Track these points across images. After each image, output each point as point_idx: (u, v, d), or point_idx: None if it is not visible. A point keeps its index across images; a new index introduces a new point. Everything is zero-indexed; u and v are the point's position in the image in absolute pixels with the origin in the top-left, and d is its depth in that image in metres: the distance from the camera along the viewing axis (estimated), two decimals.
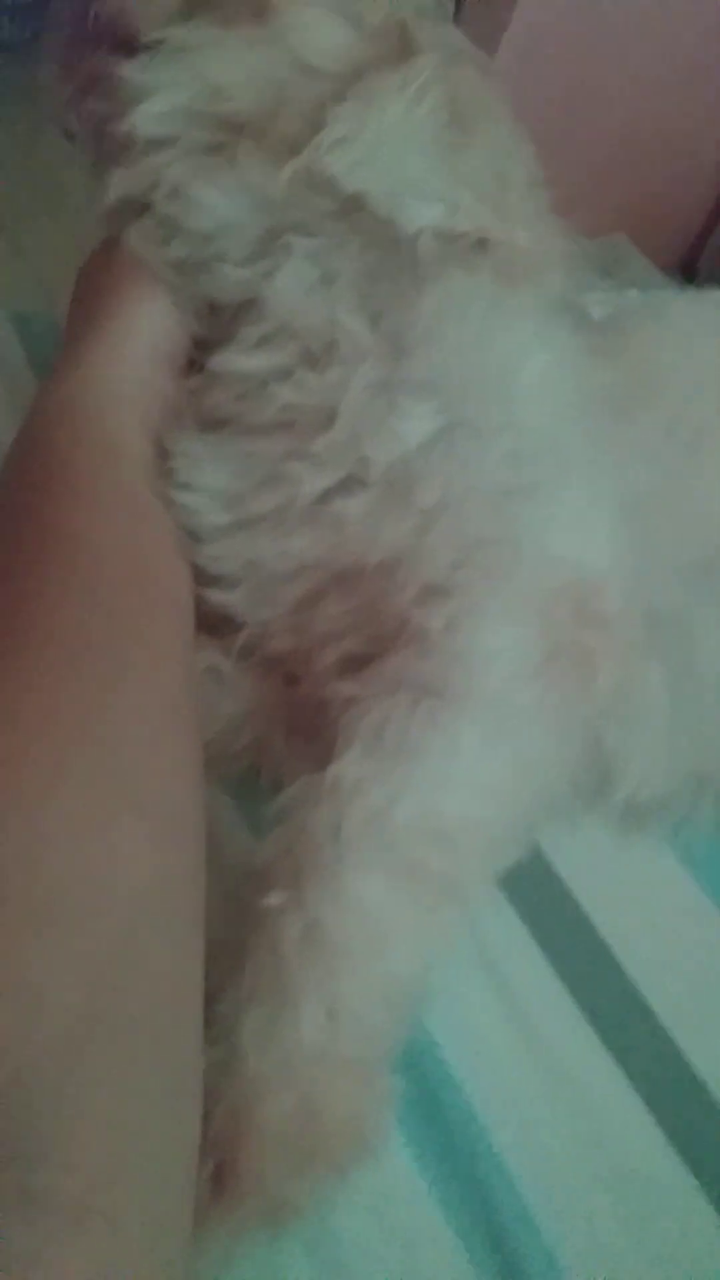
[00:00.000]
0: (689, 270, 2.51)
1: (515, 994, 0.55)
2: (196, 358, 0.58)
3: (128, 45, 0.57)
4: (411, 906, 0.46)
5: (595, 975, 0.56)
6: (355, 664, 0.51)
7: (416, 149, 0.54)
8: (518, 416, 0.53)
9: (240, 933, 0.46)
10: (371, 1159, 0.44)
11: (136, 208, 0.58)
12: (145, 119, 0.55)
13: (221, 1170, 0.41)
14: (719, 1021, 0.56)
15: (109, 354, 0.55)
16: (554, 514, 0.52)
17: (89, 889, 0.38)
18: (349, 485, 0.51)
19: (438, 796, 0.47)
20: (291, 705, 0.54)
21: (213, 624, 0.55)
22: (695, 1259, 0.48)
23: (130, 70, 0.55)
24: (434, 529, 0.50)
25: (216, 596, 0.54)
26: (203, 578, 0.54)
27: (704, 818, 0.62)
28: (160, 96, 0.54)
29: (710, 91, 2.26)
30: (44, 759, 0.40)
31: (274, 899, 0.45)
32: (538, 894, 0.59)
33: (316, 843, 0.45)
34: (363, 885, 0.45)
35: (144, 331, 0.57)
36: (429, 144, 0.54)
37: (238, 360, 0.55)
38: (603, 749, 0.57)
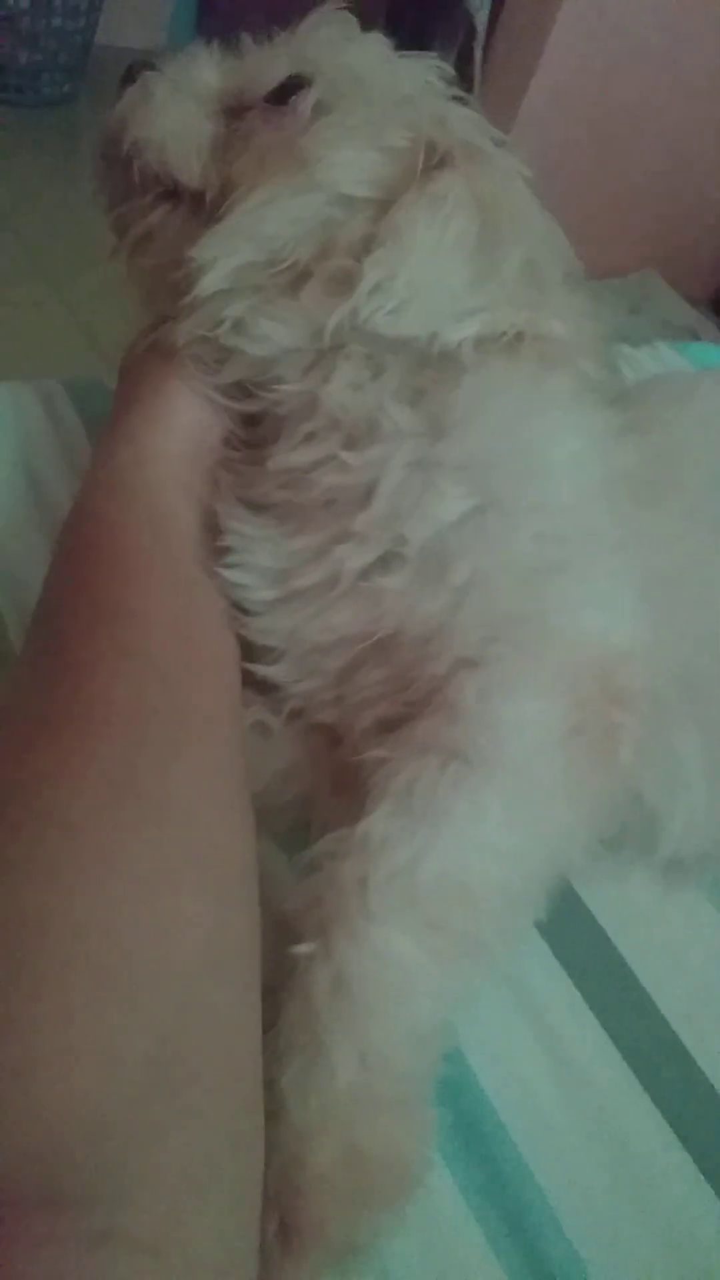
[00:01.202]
0: (718, 303, 2.53)
1: (558, 1039, 0.57)
2: (237, 432, 0.61)
3: (172, 192, 0.61)
4: (433, 958, 0.48)
5: (635, 1020, 0.58)
6: (390, 727, 0.54)
7: (450, 276, 0.56)
8: (548, 498, 0.56)
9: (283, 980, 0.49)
10: (419, 1191, 0.47)
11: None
12: (209, 284, 0.57)
13: (286, 1225, 0.43)
14: None
15: (156, 431, 0.59)
16: (581, 592, 0.55)
17: (156, 948, 0.41)
18: (388, 561, 0.54)
19: (461, 857, 0.49)
20: (334, 763, 0.56)
21: (262, 682, 0.58)
22: None
23: (194, 252, 0.57)
24: (466, 604, 0.53)
25: (263, 669, 0.57)
26: (251, 650, 0.57)
27: None
28: (221, 263, 0.57)
29: None
30: (109, 826, 0.43)
31: (304, 948, 0.47)
32: (580, 943, 0.61)
33: (344, 895, 0.48)
34: (387, 937, 0.47)
35: (188, 410, 0.60)
36: (461, 266, 0.57)
37: (288, 458, 0.57)
38: (645, 808, 0.60)
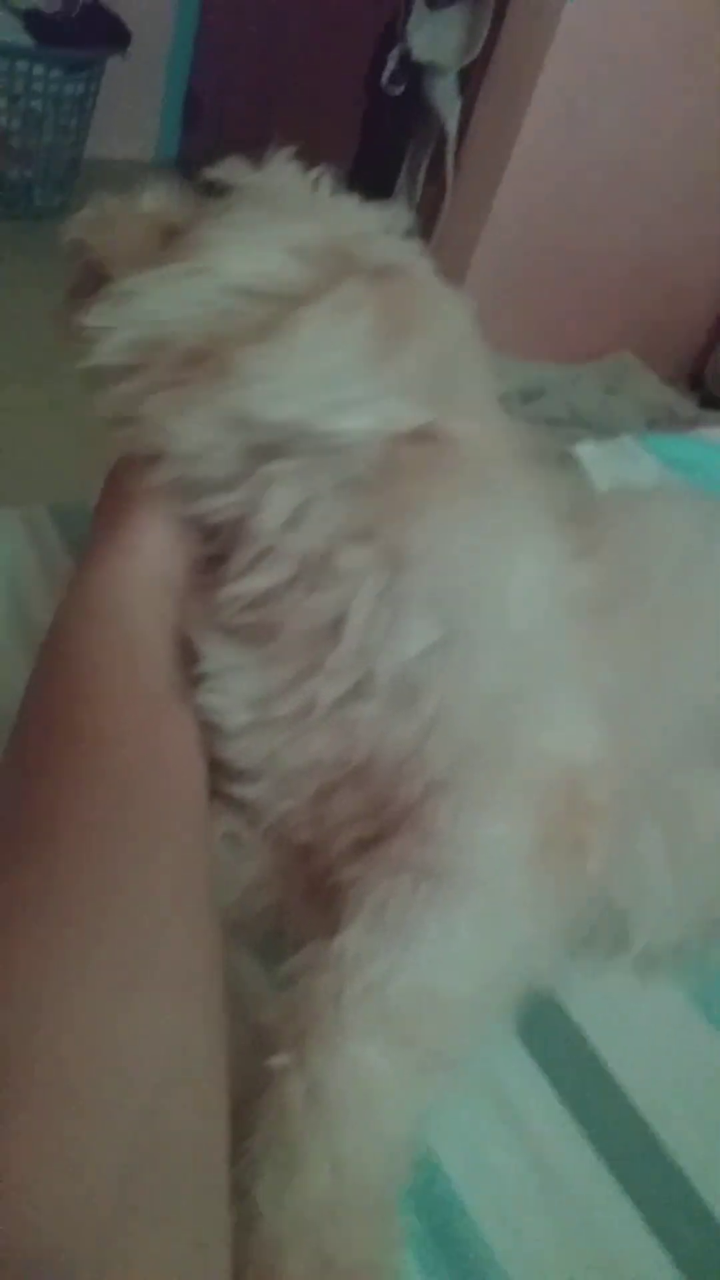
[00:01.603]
0: (695, 382, 2.58)
1: (536, 1142, 0.57)
2: (204, 554, 0.63)
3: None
4: (403, 1071, 0.50)
5: (612, 1119, 0.59)
6: (366, 846, 0.55)
7: (339, 366, 0.58)
8: (508, 626, 0.58)
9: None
10: None
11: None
12: (104, 354, 0.59)
13: None
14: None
15: (126, 555, 0.61)
16: (543, 715, 0.57)
17: (118, 1063, 0.42)
18: (359, 692, 0.56)
19: (432, 974, 0.51)
20: (306, 874, 0.58)
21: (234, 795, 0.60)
22: None
23: (86, 319, 0.60)
24: (435, 732, 0.55)
25: (240, 790, 0.59)
26: (228, 771, 0.59)
27: (715, 959, 0.65)
28: (112, 335, 0.59)
29: (704, 217, 2.35)
30: (78, 944, 0.44)
31: (279, 1060, 0.49)
32: (555, 1041, 0.62)
33: (319, 1009, 0.49)
34: (360, 1051, 0.49)
35: (159, 533, 0.62)
36: (354, 358, 0.58)
37: (235, 585, 0.59)
38: (614, 910, 0.62)
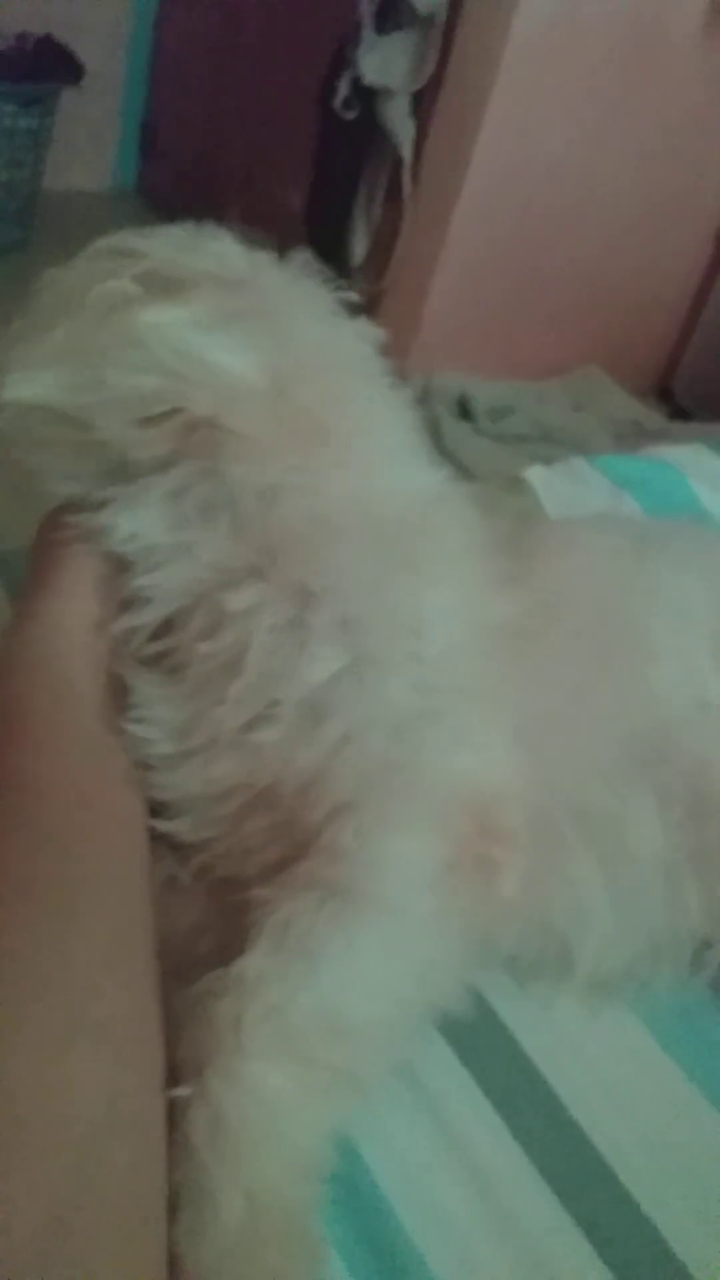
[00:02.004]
0: (663, 394, 2.59)
1: (483, 1172, 0.57)
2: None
3: None
4: (308, 1093, 0.50)
5: (561, 1148, 0.59)
6: (277, 870, 0.56)
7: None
8: (419, 650, 0.59)
9: None
10: None
11: None
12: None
13: None
14: (677, 1177, 0.59)
15: (56, 602, 0.61)
16: (451, 738, 0.58)
17: (50, 1114, 0.43)
18: (265, 717, 0.57)
19: (335, 995, 0.51)
20: (233, 908, 0.58)
21: (172, 837, 0.60)
22: None
23: None
24: (342, 754, 0.56)
25: (164, 824, 0.59)
26: (155, 806, 0.59)
27: (664, 982, 0.65)
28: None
29: (666, 230, 2.36)
30: (7, 997, 0.45)
31: (182, 1091, 0.49)
32: (505, 1071, 0.61)
33: (219, 1034, 0.50)
34: (262, 1074, 0.49)
35: (89, 574, 0.62)
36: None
37: (124, 620, 0.61)
38: (555, 935, 0.62)
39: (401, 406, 0.69)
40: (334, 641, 0.57)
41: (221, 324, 0.61)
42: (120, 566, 0.62)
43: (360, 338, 0.68)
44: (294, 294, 0.67)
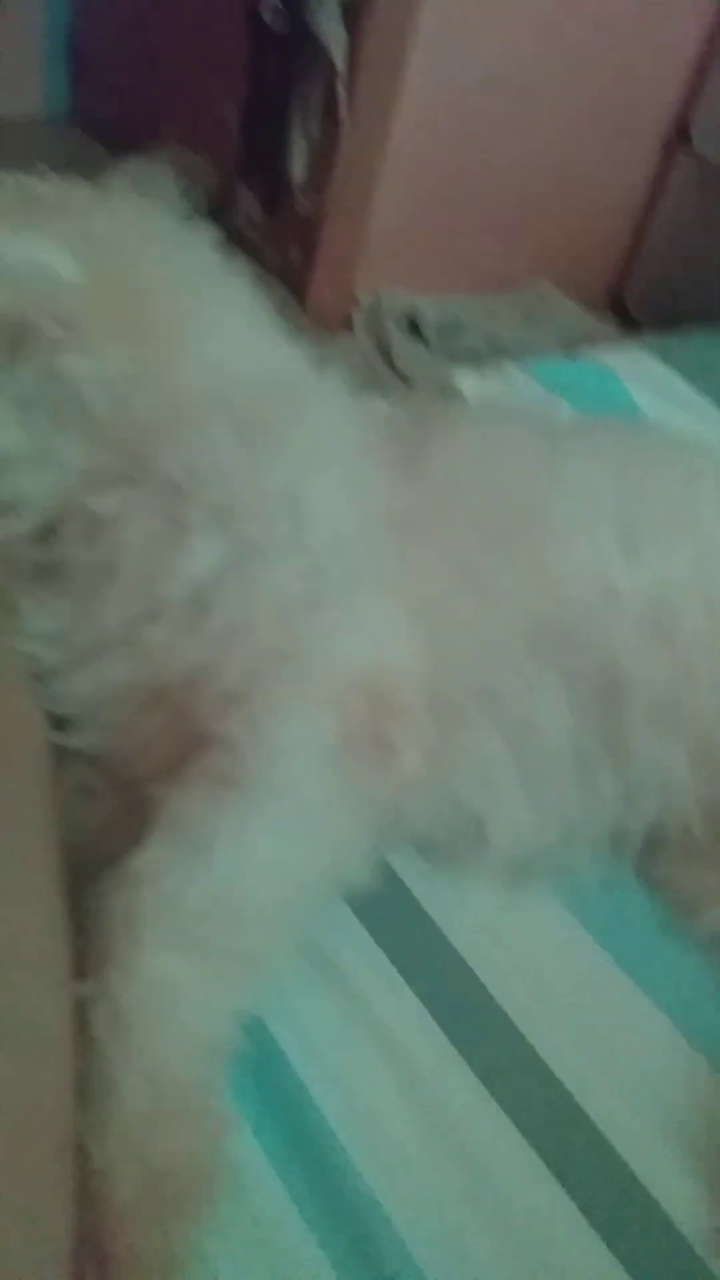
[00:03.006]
0: (615, 306, 2.56)
1: (403, 1055, 0.58)
2: None
3: None
4: (206, 979, 0.51)
5: (484, 1030, 0.60)
6: (174, 768, 0.56)
7: None
8: (304, 536, 0.58)
9: None
10: (223, 1195, 0.49)
11: None
12: None
13: (99, 1260, 0.45)
14: (601, 1057, 0.60)
15: None
16: (342, 622, 0.58)
17: None
18: (148, 615, 0.57)
19: (229, 882, 0.52)
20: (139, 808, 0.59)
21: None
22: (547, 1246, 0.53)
23: None
24: (229, 646, 0.56)
25: (68, 740, 0.59)
26: (53, 720, 0.59)
27: (584, 866, 0.67)
28: None
29: (617, 129, 2.32)
30: None
31: (84, 988, 0.50)
32: (426, 957, 0.63)
33: (115, 929, 0.51)
34: (156, 965, 0.50)
35: None
36: None
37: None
38: (467, 814, 0.63)
39: (242, 288, 0.69)
40: (211, 533, 0.57)
41: (22, 225, 0.61)
42: None
43: (183, 227, 0.68)
44: (100, 193, 0.67)
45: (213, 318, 0.66)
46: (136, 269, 0.64)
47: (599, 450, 0.69)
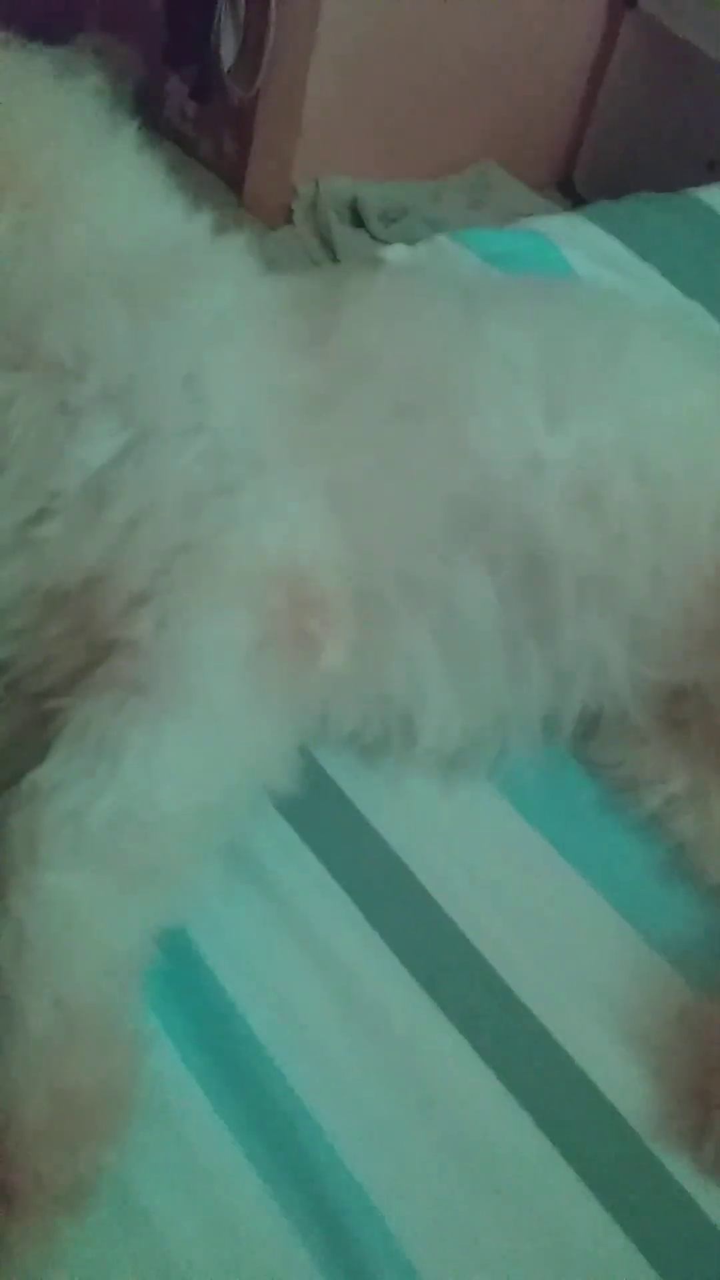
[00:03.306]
0: (565, 188, 2.48)
1: (334, 958, 0.56)
2: None
3: None
4: (114, 895, 0.48)
5: (416, 924, 0.58)
6: (80, 677, 0.52)
7: None
8: (206, 418, 0.54)
9: None
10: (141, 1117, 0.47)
11: None
12: None
13: (4, 1189, 0.43)
14: (544, 949, 0.58)
15: None
16: (253, 510, 0.54)
17: None
18: (44, 512, 0.53)
19: (137, 793, 0.49)
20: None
21: None
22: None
23: None
24: (131, 540, 0.52)
25: None
26: None
27: (517, 753, 0.64)
28: None
29: (560, 6, 2.22)
30: None
31: None
32: (352, 848, 0.60)
33: (14, 848, 0.47)
34: (59, 884, 0.47)
35: None
36: None
37: None
38: (395, 709, 0.60)
39: (129, 150, 0.63)
40: (105, 416, 0.53)
41: None
42: None
43: (63, 82, 0.62)
44: None
45: (99, 181, 0.61)
46: (13, 129, 0.58)
47: (519, 312, 0.65)
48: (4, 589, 0.54)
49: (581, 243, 1.07)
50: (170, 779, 0.49)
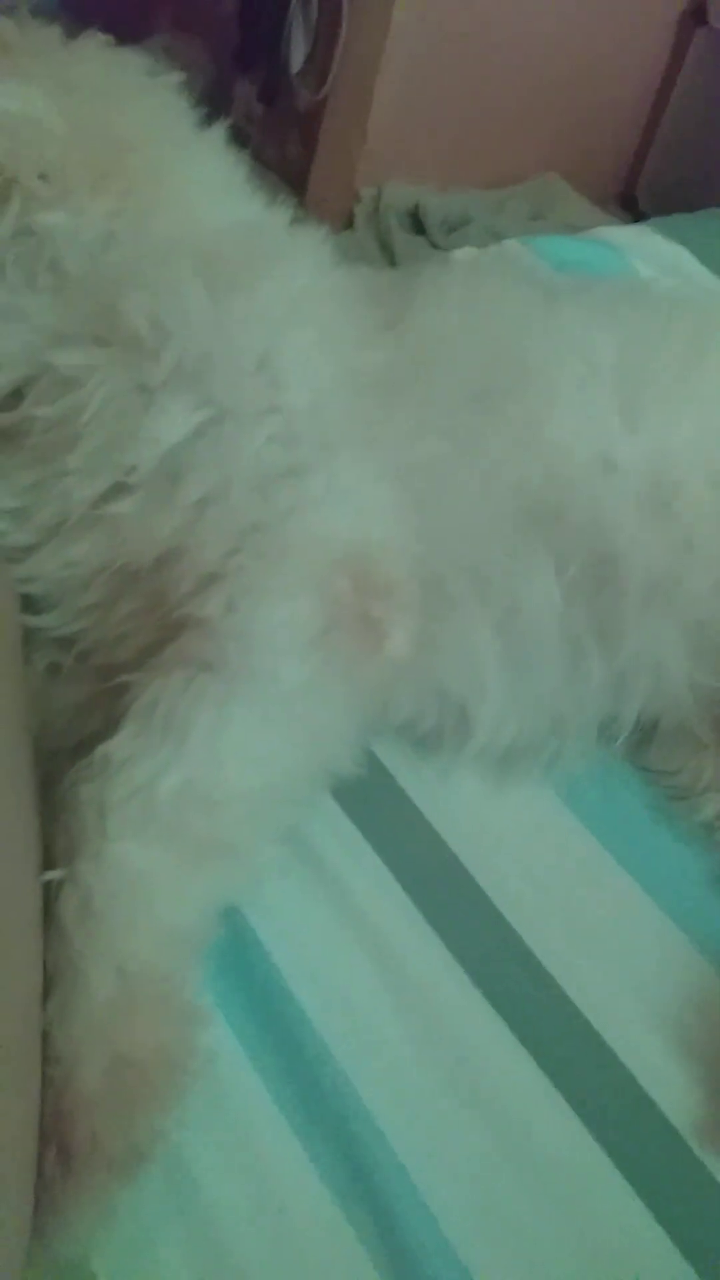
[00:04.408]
0: (627, 201, 2.47)
1: (386, 944, 0.56)
2: None
3: None
4: (176, 865, 0.49)
5: (470, 920, 0.58)
6: (150, 653, 0.53)
7: None
8: (281, 399, 0.55)
9: None
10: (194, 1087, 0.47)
11: None
12: None
13: (61, 1149, 0.44)
14: (591, 946, 0.58)
15: None
16: (323, 492, 0.54)
17: None
18: (118, 488, 0.53)
19: (204, 769, 0.49)
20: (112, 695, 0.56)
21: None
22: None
23: None
24: (203, 520, 0.53)
25: (35, 619, 0.57)
26: (26, 604, 0.57)
27: (572, 755, 0.64)
28: None
29: (626, 18, 2.22)
30: None
31: (51, 875, 0.48)
32: (408, 841, 0.60)
33: (84, 818, 0.48)
34: (125, 852, 0.48)
35: None
36: None
37: None
38: (451, 702, 0.60)
39: (217, 141, 0.66)
40: (181, 394, 0.53)
41: (4, 72, 0.58)
42: None
43: (158, 80, 0.65)
44: (79, 47, 0.64)
45: (193, 172, 0.63)
46: (116, 119, 0.61)
47: (600, 310, 0.65)
48: (78, 565, 0.55)
49: (649, 253, 1.07)
50: (235, 758, 0.50)
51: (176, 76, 0.67)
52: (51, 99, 0.58)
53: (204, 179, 0.63)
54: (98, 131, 0.59)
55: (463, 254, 0.99)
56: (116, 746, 0.49)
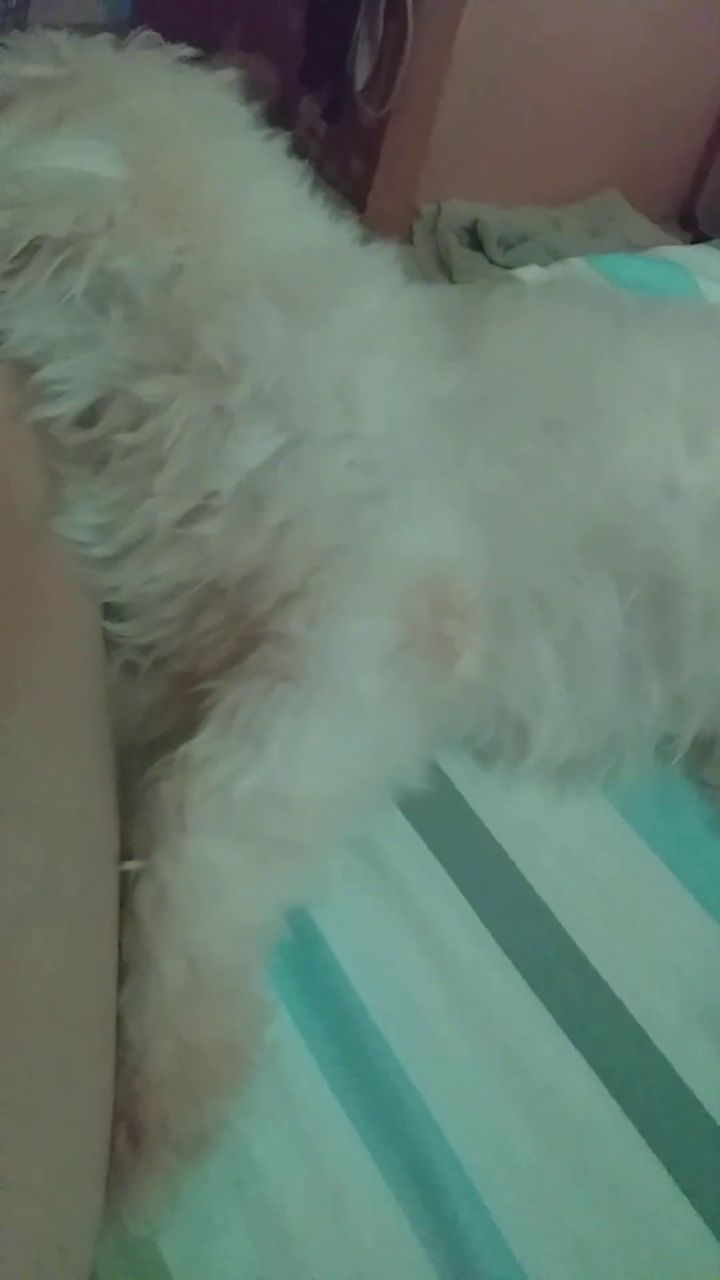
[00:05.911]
0: (686, 220, 2.47)
1: (448, 951, 0.58)
2: None
3: None
4: (249, 863, 0.51)
5: (529, 928, 0.59)
6: (230, 664, 0.55)
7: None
8: (358, 426, 0.57)
9: None
10: (258, 1078, 0.49)
11: None
12: None
13: (132, 1129, 0.46)
14: (648, 958, 0.59)
15: None
16: (401, 516, 0.56)
17: None
18: (202, 510, 0.56)
19: (279, 774, 0.51)
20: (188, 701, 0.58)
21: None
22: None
23: None
24: (286, 542, 0.55)
25: (116, 626, 0.59)
26: (107, 612, 0.59)
27: (629, 772, 0.65)
28: None
29: (689, 38, 2.22)
30: None
31: (129, 865, 0.50)
32: (473, 856, 0.62)
33: (164, 814, 0.50)
34: (202, 847, 0.50)
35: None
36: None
37: (38, 409, 0.59)
38: (511, 718, 0.62)
39: (279, 160, 0.66)
40: (260, 420, 0.55)
41: (52, 128, 0.59)
42: (27, 370, 0.60)
43: (220, 94, 0.66)
44: (136, 70, 0.64)
45: (257, 197, 0.64)
46: (180, 153, 0.62)
47: (666, 330, 0.66)
48: (161, 581, 0.57)
49: (715, 272, 1.08)
50: (310, 764, 0.52)
51: (242, 94, 0.68)
52: (112, 141, 0.59)
53: (271, 202, 0.64)
54: (161, 168, 0.60)
55: (529, 273, 1.00)
56: (197, 747, 0.51)
